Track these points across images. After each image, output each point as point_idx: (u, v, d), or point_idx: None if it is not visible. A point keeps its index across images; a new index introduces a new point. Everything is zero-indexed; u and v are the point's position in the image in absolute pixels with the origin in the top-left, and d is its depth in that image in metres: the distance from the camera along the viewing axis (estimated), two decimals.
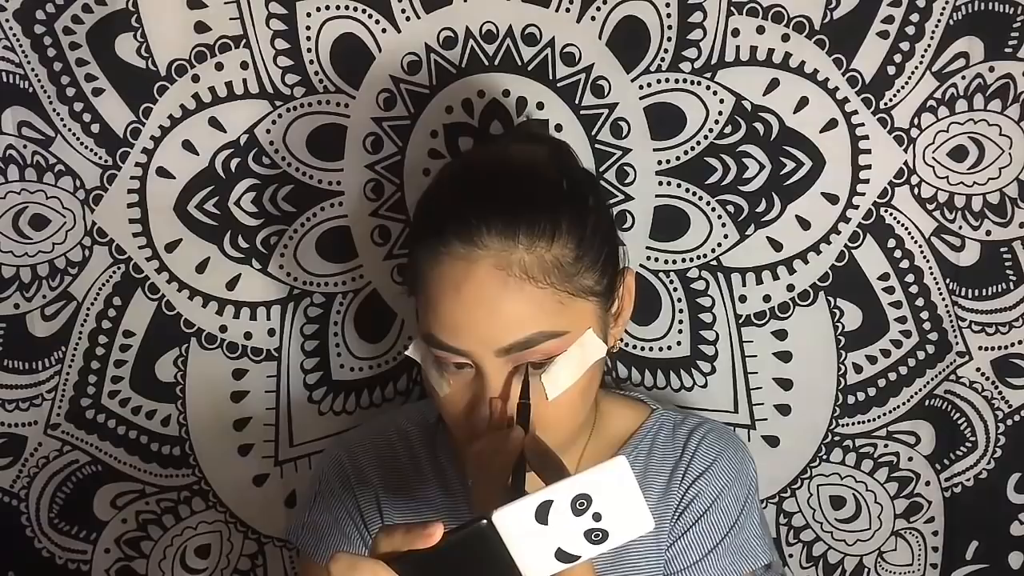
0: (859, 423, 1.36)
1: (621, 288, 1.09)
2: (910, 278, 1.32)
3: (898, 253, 1.31)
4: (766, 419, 1.36)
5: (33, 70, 1.27)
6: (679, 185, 1.30)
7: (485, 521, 0.76)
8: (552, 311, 0.98)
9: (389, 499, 1.16)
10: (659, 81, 1.28)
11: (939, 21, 1.26)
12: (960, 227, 1.31)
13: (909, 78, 1.27)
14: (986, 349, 1.34)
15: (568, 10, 1.26)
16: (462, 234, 0.97)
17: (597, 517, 0.78)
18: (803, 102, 1.28)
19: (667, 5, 1.26)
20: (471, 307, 0.97)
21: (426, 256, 1.00)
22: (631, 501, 0.78)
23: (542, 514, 0.77)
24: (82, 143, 1.29)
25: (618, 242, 1.10)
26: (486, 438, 0.97)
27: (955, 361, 1.34)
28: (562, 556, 0.79)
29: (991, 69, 1.27)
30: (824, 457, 1.37)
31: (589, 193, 1.07)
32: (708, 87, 1.28)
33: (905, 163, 1.29)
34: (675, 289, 1.33)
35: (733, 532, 1.13)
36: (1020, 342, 1.34)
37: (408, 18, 1.27)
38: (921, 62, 1.27)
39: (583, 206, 1.04)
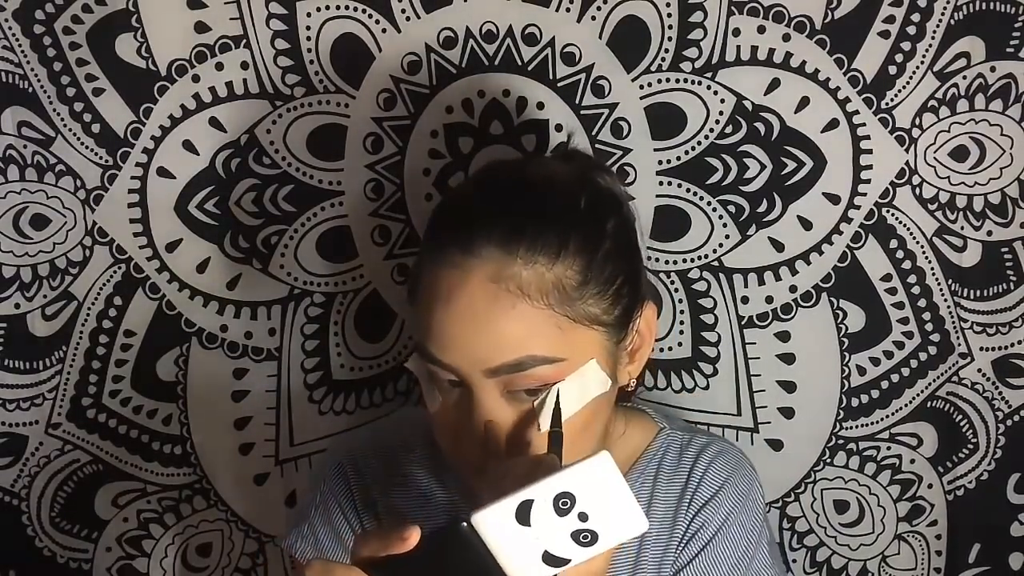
0: (862, 426, 1.35)
1: (639, 322, 1.01)
2: (912, 279, 1.31)
3: (900, 253, 1.31)
4: (769, 422, 1.35)
5: (33, 70, 1.28)
6: (680, 185, 1.30)
7: (465, 523, 0.74)
8: (548, 335, 0.92)
9: (392, 509, 1.12)
10: (660, 81, 1.28)
11: (940, 21, 1.25)
12: (962, 227, 1.30)
13: (910, 78, 1.27)
14: (987, 350, 1.33)
15: (568, 10, 1.26)
16: (460, 241, 0.93)
17: (583, 517, 0.75)
18: (804, 102, 1.27)
19: (668, 5, 1.26)
20: (460, 321, 0.92)
21: (425, 263, 0.96)
22: (619, 498, 0.75)
23: (523, 515, 0.74)
24: (82, 143, 1.29)
25: (640, 273, 1.03)
26: (495, 466, 0.91)
27: (957, 362, 1.33)
28: (550, 560, 0.76)
29: (992, 69, 1.27)
30: (828, 460, 1.36)
31: (610, 216, 1.00)
32: (709, 87, 1.28)
33: (906, 163, 1.29)
34: (676, 290, 1.33)
35: (741, 563, 1.08)
36: (1020, 342, 1.33)
37: (408, 18, 1.27)
38: (922, 62, 1.26)
39: (599, 228, 0.97)
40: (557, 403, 0.92)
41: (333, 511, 1.14)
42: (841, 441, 1.36)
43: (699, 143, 1.29)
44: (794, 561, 1.40)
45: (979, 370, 1.34)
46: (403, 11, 1.27)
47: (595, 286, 0.95)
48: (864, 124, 1.28)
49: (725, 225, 1.31)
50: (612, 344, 0.98)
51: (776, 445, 1.35)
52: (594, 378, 0.95)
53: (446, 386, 0.96)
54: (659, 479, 1.12)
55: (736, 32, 1.26)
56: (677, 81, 1.28)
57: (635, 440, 1.14)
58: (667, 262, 1.32)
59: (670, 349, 1.34)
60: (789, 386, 1.35)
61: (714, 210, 1.30)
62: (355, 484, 1.13)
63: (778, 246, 1.31)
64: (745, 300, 1.33)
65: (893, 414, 1.35)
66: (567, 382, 0.93)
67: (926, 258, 1.31)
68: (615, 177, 1.10)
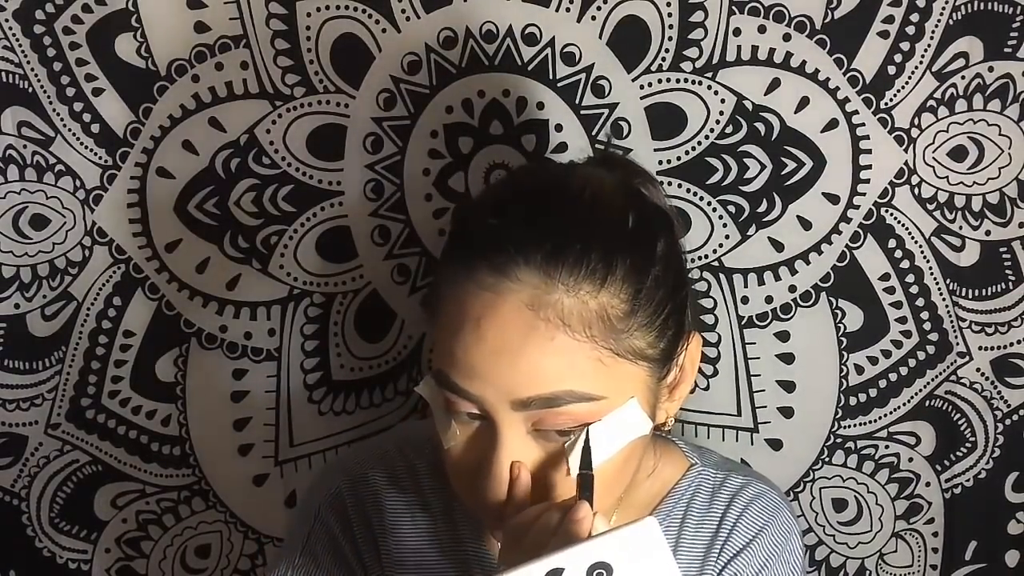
0: (860, 424, 1.36)
1: (683, 356, 0.94)
2: (910, 278, 1.32)
3: (899, 253, 1.31)
4: (769, 422, 1.35)
5: (33, 70, 1.27)
6: (680, 185, 1.30)
7: None
8: (587, 370, 0.83)
9: (391, 536, 1.04)
10: (660, 81, 1.28)
11: (939, 21, 1.26)
12: (960, 227, 1.31)
13: (909, 78, 1.27)
14: (985, 349, 1.34)
15: (568, 10, 1.26)
16: (493, 262, 0.84)
17: None
18: (804, 102, 1.28)
19: (668, 4, 1.26)
20: (489, 351, 0.83)
21: (450, 280, 0.87)
22: (662, 572, 0.68)
23: None
24: (82, 143, 1.29)
25: (686, 301, 0.95)
26: (516, 513, 0.83)
27: (955, 361, 1.34)
28: None
29: (990, 69, 1.27)
30: (826, 459, 1.37)
31: (660, 235, 0.91)
32: (709, 87, 1.28)
33: (905, 163, 1.29)
34: None
35: None
36: (1019, 342, 1.34)
37: (408, 18, 1.27)
38: (921, 62, 1.27)
39: (648, 251, 0.89)
40: (587, 442, 0.84)
41: (330, 548, 1.05)
42: (840, 440, 1.36)
43: (699, 143, 1.29)
44: None
45: (978, 369, 1.34)
46: (403, 11, 1.27)
47: (643, 316, 0.86)
48: (863, 124, 1.28)
49: (725, 225, 1.31)
50: (654, 380, 0.90)
51: (775, 444, 1.36)
52: (633, 419, 0.87)
53: (464, 418, 0.88)
54: (687, 522, 1.04)
55: (736, 32, 1.26)
56: (677, 81, 1.28)
57: (663, 475, 1.06)
58: None
59: None
60: (788, 385, 1.35)
61: (714, 210, 1.30)
62: (355, 516, 1.05)
63: (778, 246, 1.31)
64: (745, 300, 1.33)
65: (891, 413, 1.35)
66: (603, 423, 0.85)
67: (924, 258, 1.31)
68: (659, 187, 1.03)
